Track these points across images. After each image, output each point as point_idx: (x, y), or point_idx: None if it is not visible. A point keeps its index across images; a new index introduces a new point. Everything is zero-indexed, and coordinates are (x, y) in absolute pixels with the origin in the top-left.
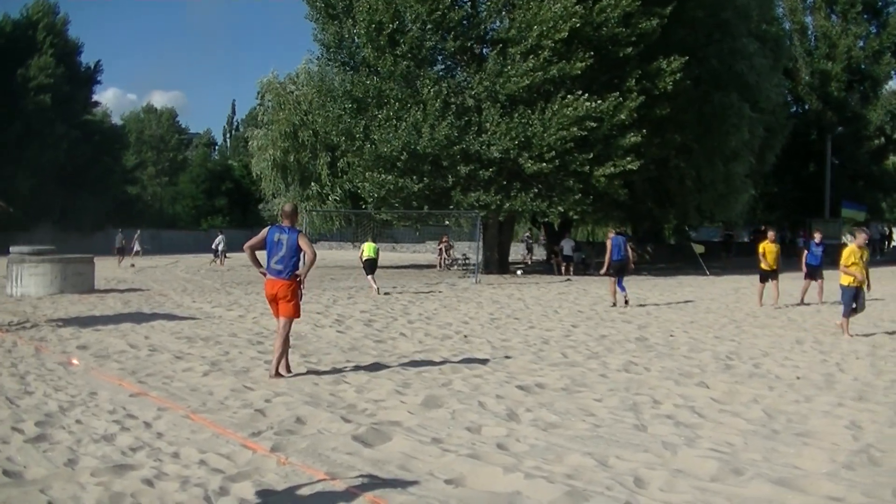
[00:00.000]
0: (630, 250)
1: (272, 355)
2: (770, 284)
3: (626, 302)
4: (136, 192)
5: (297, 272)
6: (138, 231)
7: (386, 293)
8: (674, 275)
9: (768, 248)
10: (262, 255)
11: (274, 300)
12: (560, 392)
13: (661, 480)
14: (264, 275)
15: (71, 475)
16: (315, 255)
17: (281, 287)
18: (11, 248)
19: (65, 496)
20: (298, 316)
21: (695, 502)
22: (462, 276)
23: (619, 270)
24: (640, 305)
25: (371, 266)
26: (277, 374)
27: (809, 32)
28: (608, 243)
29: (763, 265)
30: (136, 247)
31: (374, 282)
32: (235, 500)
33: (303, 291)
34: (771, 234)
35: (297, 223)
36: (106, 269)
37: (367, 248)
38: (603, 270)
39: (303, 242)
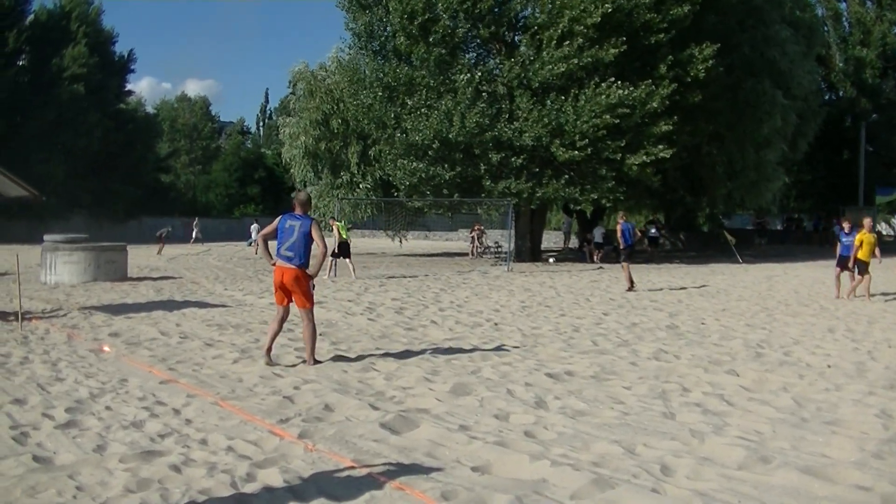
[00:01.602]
0: (636, 235)
1: (272, 340)
2: (848, 276)
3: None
4: (169, 181)
5: (310, 271)
6: (196, 219)
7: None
8: (706, 262)
9: (867, 239)
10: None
11: (282, 287)
12: (589, 380)
13: (687, 468)
14: (274, 265)
15: (99, 461)
16: (326, 248)
17: (290, 276)
18: (45, 237)
19: (93, 482)
20: (313, 304)
21: (721, 490)
22: (494, 264)
23: (630, 255)
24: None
25: (346, 249)
26: (316, 361)
27: (843, 19)
28: (618, 229)
29: (860, 255)
30: (196, 234)
31: (353, 267)
32: (262, 486)
33: (313, 283)
34: (867, 221)
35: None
36: (139, 256)
37: (342, 229)
38: (623, 257)
39: (315, 233)
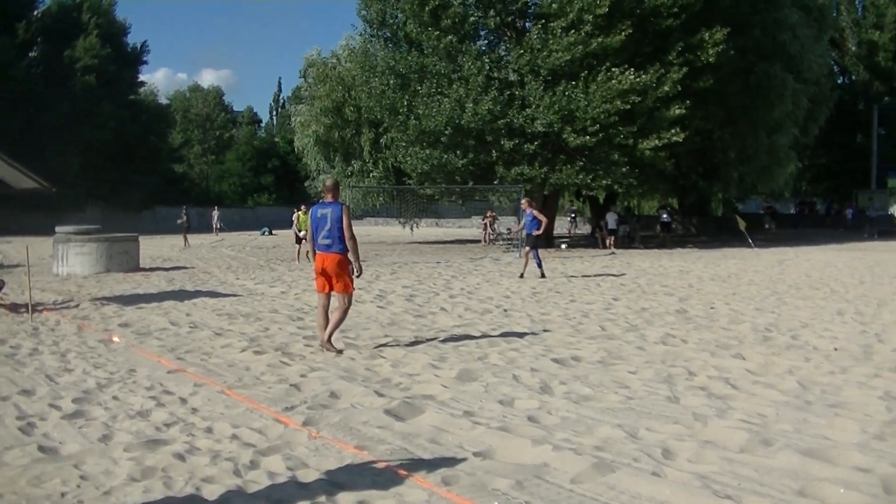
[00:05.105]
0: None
1: (323, 329)
2: None
3: (543, 275)
4: (182, 171)
5: (350, 257)
6: (215, 208)
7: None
8: (719, 247)
9: None
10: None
11: (323, 273)
12: (595, 365)
13: (689, 452)
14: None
15: (104, 450)
16: (353, 236)
17: (332, 262)
18: (57, 228)
19: (97, 471)
20: (353, 290)
21: (721, 473)
22: (506, 251)
23: (536, 243)
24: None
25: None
26: (329, 344)
27: (857, 1)
28: (537, 215)
29: None
30: (216, 224)
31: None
32: (265, 473)
33: (353, 267)
34: None
35: (341, 198)
36: (153, 247)
37: (305, 220)
38: (529, 243)
39: (345, 219)
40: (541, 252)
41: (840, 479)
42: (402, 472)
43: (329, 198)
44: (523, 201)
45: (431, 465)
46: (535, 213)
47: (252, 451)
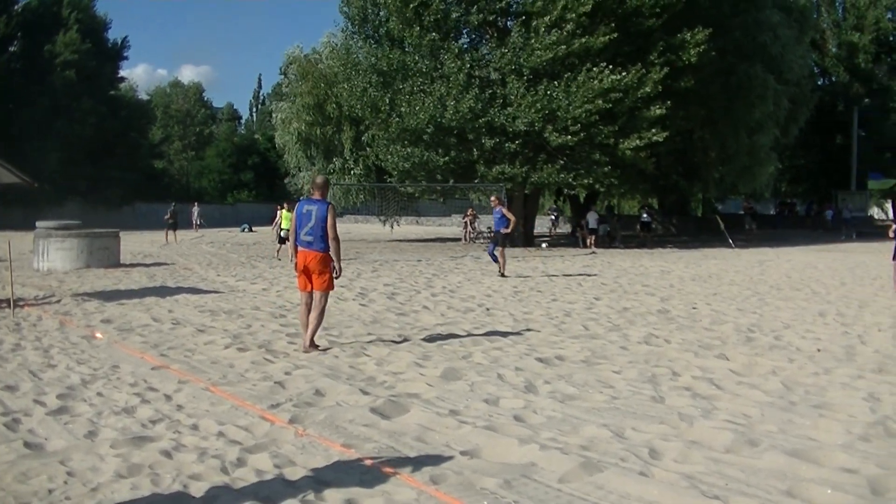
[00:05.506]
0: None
1: (305, 328)
2: None
3: (498, 267)
4: (162, 167)
5: (332, 255)
6: (196, 204)
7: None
8: (699, 247)
9: None
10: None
11: (305, 272)
12: (579, 364)
13: (675, 452)
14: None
15: (90, 447)
16: (337, 237)
17: (313, 260)
18: (38, 223)
19: (84, 467)
20: (332, 288)
21: (708, 473)
22: (486, 249)
23: (505, 240)
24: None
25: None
26: (313, 346)
27: (837, 3)
28: (506, 213)
29: None
30: (196, 221)
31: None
32: (252, 471)
33: (335, 266)
34: None
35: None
36: (133, 242)
37: (286, 219)
38: (499, 242)
39: (329, 219)
40: (522, 251)
41: (827, 480)
42: (390, 470)
43: (317, 195)
44: (492, 199)
45: (418, 463)
46: (504, 210)
47: (238, 449)
